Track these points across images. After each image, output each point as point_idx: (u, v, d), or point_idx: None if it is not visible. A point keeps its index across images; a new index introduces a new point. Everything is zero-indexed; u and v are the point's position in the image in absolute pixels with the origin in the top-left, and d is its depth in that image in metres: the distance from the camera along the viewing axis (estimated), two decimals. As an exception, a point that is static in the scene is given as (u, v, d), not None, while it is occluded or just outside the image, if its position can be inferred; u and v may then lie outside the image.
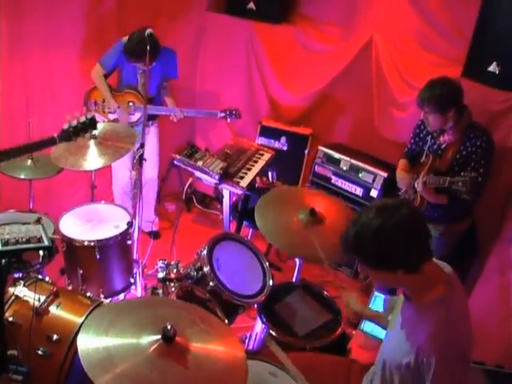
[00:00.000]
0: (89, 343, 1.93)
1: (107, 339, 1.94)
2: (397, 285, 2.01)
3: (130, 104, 4.13)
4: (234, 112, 4.32)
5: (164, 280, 2.59)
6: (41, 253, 2.14)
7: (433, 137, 3.44)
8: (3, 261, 2.11)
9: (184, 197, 4.26)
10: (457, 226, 3.51)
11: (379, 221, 1.81)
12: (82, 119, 2.78)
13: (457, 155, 3.30)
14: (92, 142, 3.25)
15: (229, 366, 2.01)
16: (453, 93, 3.18)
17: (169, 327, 1.88)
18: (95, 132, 3.22)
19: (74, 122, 2.77)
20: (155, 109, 4.16)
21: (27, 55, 4.02)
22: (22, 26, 3.90)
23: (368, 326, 3.68)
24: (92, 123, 2.83)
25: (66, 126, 2.76)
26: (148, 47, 3.41)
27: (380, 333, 3.61)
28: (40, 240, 2.18)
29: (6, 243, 2.13)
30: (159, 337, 1.91)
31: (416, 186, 3.33)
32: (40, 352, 2.51)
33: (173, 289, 2.58)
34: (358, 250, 1.89)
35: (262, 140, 4.75)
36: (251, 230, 4.29)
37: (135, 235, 3.48)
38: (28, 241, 2.16)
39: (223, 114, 4.32)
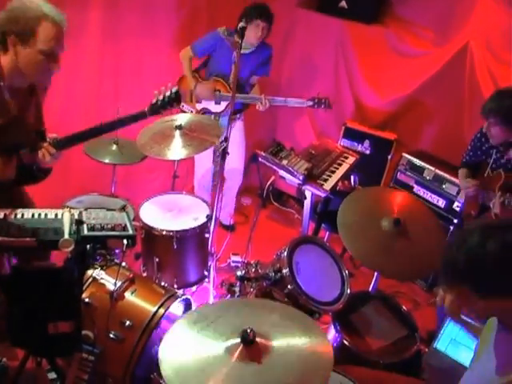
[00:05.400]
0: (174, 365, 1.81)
1: (191, 356, 1.82)
2: (500, 313, 1.83)
3: (217, 93, 4.08)
4: (323, 101, 4.05)
5: (242, 278, 2.56)
6: (125, 241, 2.14)
7: (498, 151, 3.26)
8: (88, 246, 2.13)
9: (265, 193, 4.20)
10: None
11: (493, 244, 1.65)
12: (168, 93, 2.80)
13: None
14: (177, 133, 3.23)
15: (313, 353, 1.87)
16: None
17: (248, 330, 1.79)
18: (181, 122, 3.25)
19: (161, 96, 2.79)
20: (241, 97, 4.05)
21: (119, 43, 4.09)
22: (117, 15, 3.97)
23: (442, 344, 3.53)
24: (177, 97, 2.82)
25: (154, 100, 2.79)
26: None
27: (454, 352, 3.46)
28: (125, 228, 2.17)
29: (92, 228, 2.14)
30: (239, 340, 1.81)
31: (491, 206, 3.16)
32: (112, 336, 2.56)
33: (251, 289, 2.56)
34: (471, 278, 1.71)
35: (345, 142, 4.66)
36: (327, 232, 4.22)
37: (212, 228, 3.46)
38: (113, 228, 2.17)
39: (311, 103, 4.06)
